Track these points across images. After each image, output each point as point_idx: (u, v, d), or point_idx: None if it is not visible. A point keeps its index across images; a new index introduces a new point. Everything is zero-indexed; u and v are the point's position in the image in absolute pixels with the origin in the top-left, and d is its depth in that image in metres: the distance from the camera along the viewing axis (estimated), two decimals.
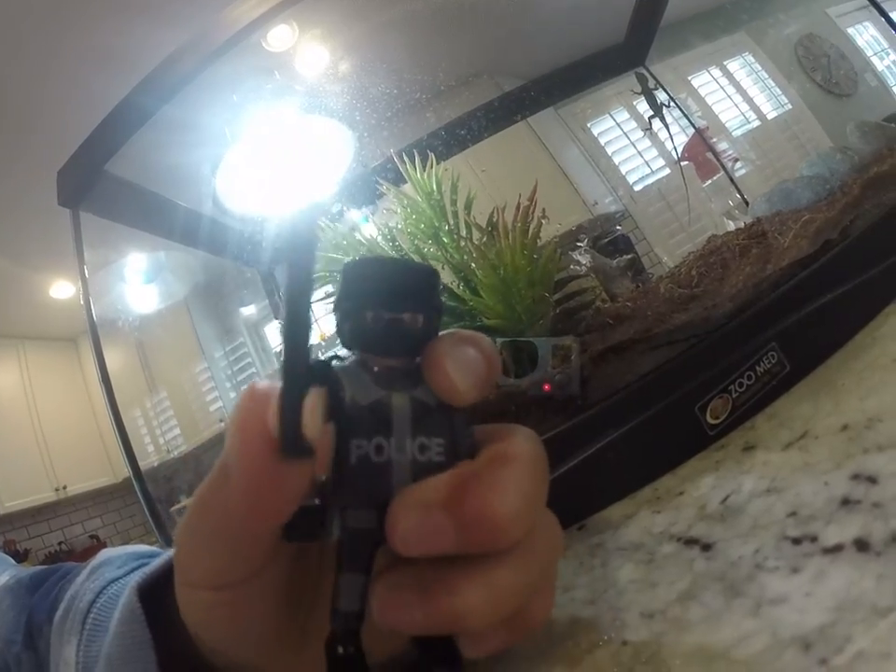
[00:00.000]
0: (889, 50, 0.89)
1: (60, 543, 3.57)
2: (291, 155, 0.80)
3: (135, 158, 0.78)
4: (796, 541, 0.24)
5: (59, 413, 3.48)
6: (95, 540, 3.65)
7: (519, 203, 0.47)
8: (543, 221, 0.45)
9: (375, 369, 0.21)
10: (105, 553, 0.38)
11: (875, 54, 0.90)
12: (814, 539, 0.23)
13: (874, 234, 0.46)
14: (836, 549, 0.22)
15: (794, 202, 0.63)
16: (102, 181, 0.77)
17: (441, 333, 0.22)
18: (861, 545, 0.22)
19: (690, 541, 0.28)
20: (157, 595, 0.29)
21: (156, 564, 0.31)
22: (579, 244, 0.57)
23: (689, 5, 0.91)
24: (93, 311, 0.77)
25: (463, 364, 0.21)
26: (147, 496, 0.76)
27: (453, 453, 0.21)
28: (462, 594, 0.20)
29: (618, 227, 0.80)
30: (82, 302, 0.78)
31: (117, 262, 0.99)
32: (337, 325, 0.22)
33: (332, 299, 0.22)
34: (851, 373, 0.36)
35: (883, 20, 0.86)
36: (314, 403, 0.19)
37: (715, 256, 0.56)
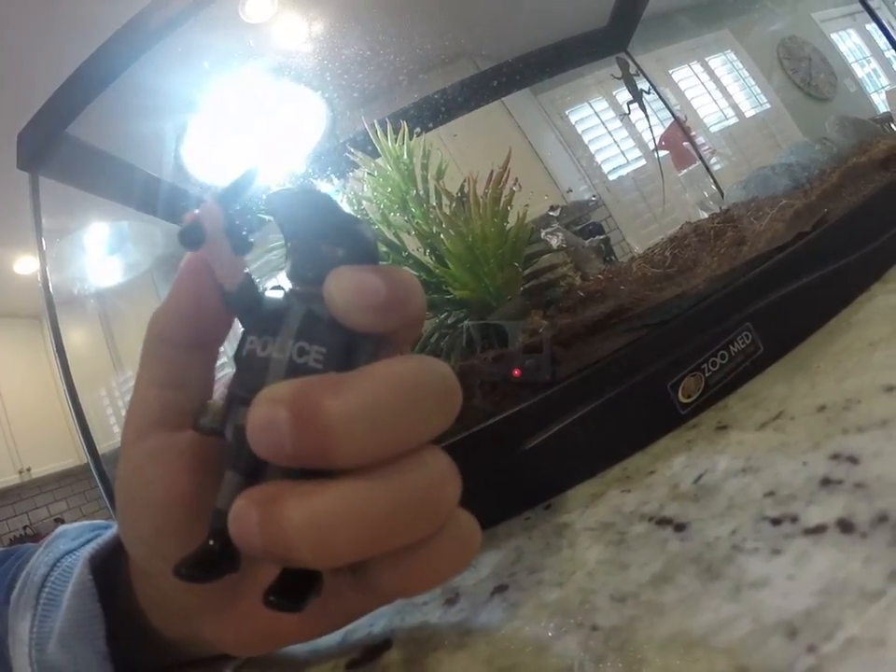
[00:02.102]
0: (871, 58, 0.90)
1: (25, 527, 3.50)
2: (261, 123, 0.77)
3: (100, 122, 0.75)
4: (776, 522, 0.23)
5: (22, 392, 3.38)
6: (61, 524, 3.57)
7: (492, 172, 0.45)
8: (515, 189, 0.43)
9: (297, 289, 0.23)
10: (61, 528, 0.38)
11: (857, 61, 0.90)
12: (794, 519, 0.22)
13: (851, 222, 0.45)
14: (819, 530, 0.21)
15: (771, 188, 0.62)
16: (63, 144, 0.73)
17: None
18: (846, 526, 0.20)
19: (662, 521, 0.27)
20: (111, 566, 0.29)
21: (108, 534, 0.31)
22: (552, 213, 0.55)
23: (674, 0, 0.90)
24: (50, 283, 0.74)
25: (356, 289, 0.21)
26: (103, 477, 0.73)
27: (332, 363, 0.21)
28: (294, 508, 0.20)
29: (589, 213, 0.78)
30: (38, 272, 0.74)
31: (78, 231, 0.95)
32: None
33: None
34: (827, 356, 0.35)
35: (874, 24, 0.86)
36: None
37: (689, 238, 0.55)
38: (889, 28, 0.86)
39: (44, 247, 0.75)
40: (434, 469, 0.22)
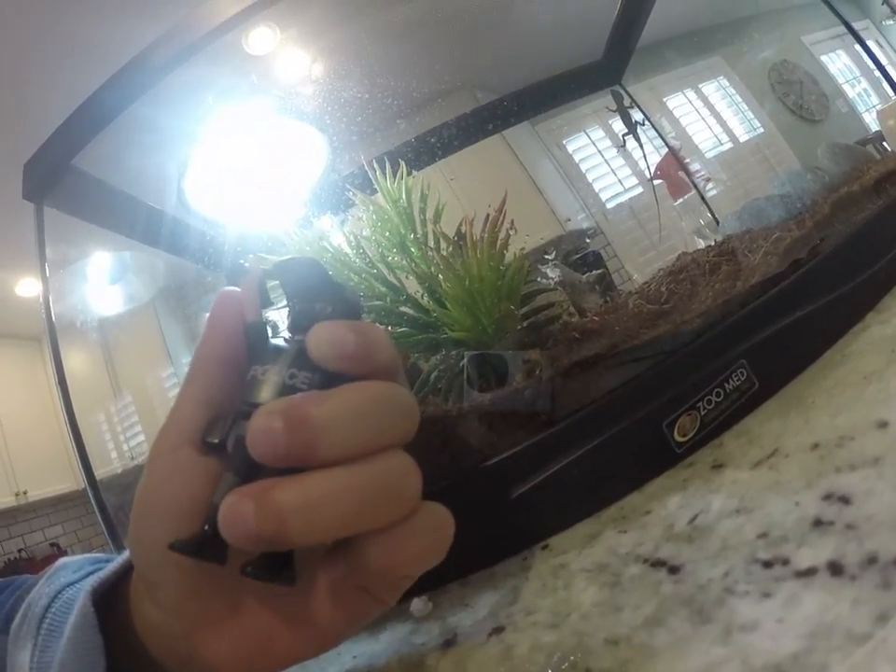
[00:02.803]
0: (861, 78, 0.91)
1: (20, 550, 3.45)
2: (263, 159, 0.78)
3: (105, 155, 0.76)
4: (767, 564, 0.23)
5: (21, 414, 3.35)
6: (56, 548, 3.54)
7: (488, 214, 0.45)
8: (511, 233, 0.44)
9: (296, 336, 0.27)
10: (62, 561, 0.38)
11: (847, 81, 0.92)
12: (786, 561, 0.22)
13: (843, 253, 0.46)
14: (809, 572, 0.21)
15: (765, 219, 0.63)
16: (68, 176, 0.74)
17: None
18: (835, 568, 0.21)
19: (657, 563, 0.27)
20: (111, 600, 0.30)
21: (111, 567, 0.32)
22: (547, 256, 0.56)
23: (666, 27, 0.92)
24: (53, 309, 0.74)
25: (329, 341, 0.26)
26: (100, 504, 0.73)
27: (315, 386, 0.26)
28: (283, 491, 0.23)
29: (587, 240, 0.79)
30: (41, 299, 0.75)
31: (81, 261, 0.96)
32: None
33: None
34: (821, 391, 0.36)
35: (859, 47, 0.87)
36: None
37: (685, 273, 0.55)
38: (872, 50, 0.87)
39: (47, 275, 0.76)
40: (399, 464, 0.26)
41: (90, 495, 0.73)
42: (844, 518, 0.23)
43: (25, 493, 3.41)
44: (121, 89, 0.69)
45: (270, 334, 0.28)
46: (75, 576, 0.35)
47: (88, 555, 0.39)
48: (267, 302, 0.29)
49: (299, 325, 0.27)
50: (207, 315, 0.30)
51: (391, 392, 0.27)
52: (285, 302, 0.29)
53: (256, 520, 0.23)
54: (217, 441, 0.27)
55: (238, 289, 0.30)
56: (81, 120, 0.71)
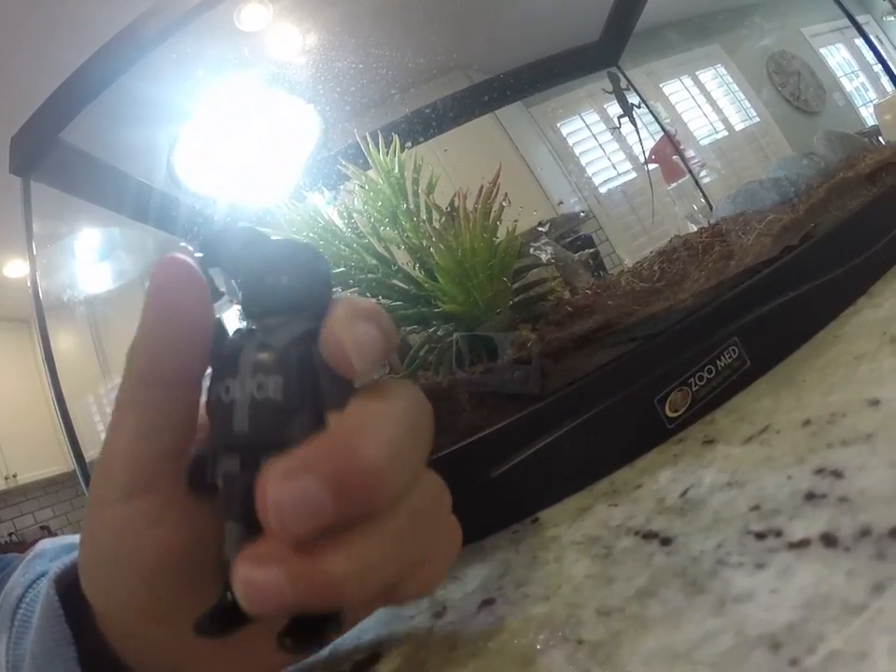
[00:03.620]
0: (859, 72, 0.91)
1: (10, 534, 3.44)
2: (254, 132, 0.77)
3: (93, 129, 0.75)
4: (760, 536, 0.23)
5: (9, 396, 3.32)
6: (46, 531, 3.53)
7: (482, 186, 0.45)
8: (504, 205, 0.43)
9: (252, 326, 0.23)
10: (41, 545, 0.36)
11: (845, 75, 0.92)
12: (779, 533, 0.22)
13: (837, 237, 0.46)
14: (802, 544, 0.21)
15: (759, 203, 0.63)
16: (56, 150, 0.73)
17: (342, 297, 0.23)
18: (829, 540, 0.20)
19: (648, 535, 0.27)
20: (80, 587, 0.27)
21: (76, 553, 0.29)
22: (540, 228, 0.55)
23: (665, 13, 0.91)
24: (40, 287, 0.73)
25: (363, 343, 0.21)
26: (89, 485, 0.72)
27: (293, 391, 0.21)
28: (335, 562, 0.19)
29: (580, 224, 0.79)
30: (28, 276, 0.74)
31: (69, 237, 0.94)
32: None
33: None
34: (813, 370, 0.36)
35: (858, 41, 0.87)
36: None
37: (677, 252, 0.55)
38: (875, 43, 0.87)
39: (34, 252, 0.75)
40: (434, 486, 0.24)
41: (79, 477, 0.72)
42: (836, 491, 0.23)
43: (15, 476, 3.40)
44: (110, 61, 0.67)
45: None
46: (50, 564, 0.33)
47: (67, 540, 0.38)
48: (216, 294, 0.23)
49: (250, 309, 0.23)
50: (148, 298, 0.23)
51: (421, 399, 0.23)
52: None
53: (292, 590, 0.19)
54: (204, 484, 0.22)
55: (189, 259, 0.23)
56: (69, 93, 0.69)
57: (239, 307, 0.23)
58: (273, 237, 0.23)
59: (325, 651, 0.29)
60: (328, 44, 0.68)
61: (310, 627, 0.21)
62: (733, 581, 0.21)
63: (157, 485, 0.23)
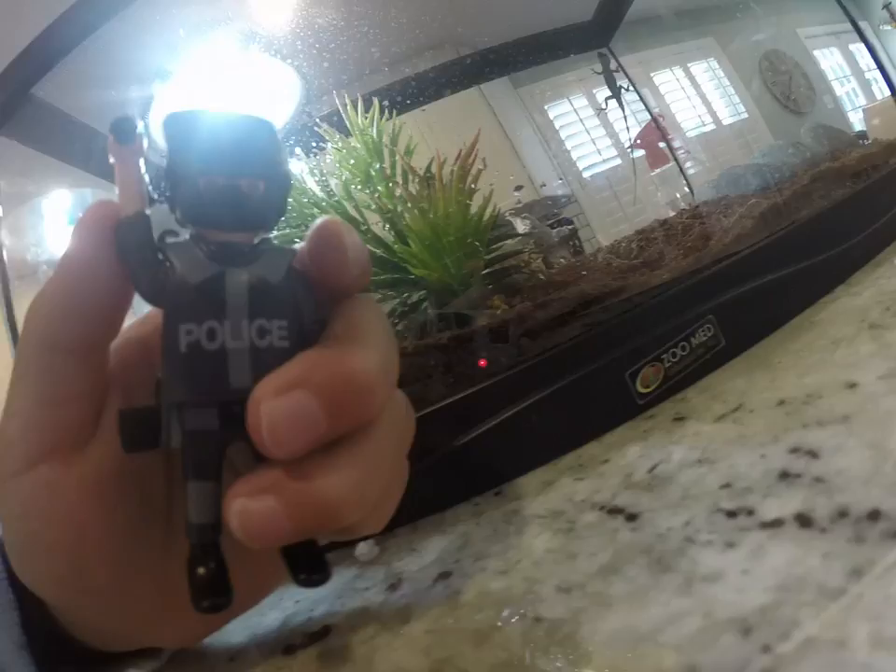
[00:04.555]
0: (851, 77, 0.91)
1: None
2: (232, 95, 0.75)
3: (67, 85, 0.72)
4: (731, 514, 0.22)
5: None
6: None
7: (460, 151, 0.43)
8: (481, 167, 0.41)
9: (211, 245, 0.19)
10: None
11: (837, 79, 0.92)
12: (751, 512, 0.21)
13: (819, 224, 0.45)
14: (776, 524, 0.20)
15: (742, 188, 0.62)
16: (27, 105, 0.70)
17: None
18: (804, 520, 0.19)
19: (614, 511, 0.25)
20: None
21: None
22: (516, 193, 0.54)
23: (661, 3, 0.90)
24: (5, 251, 0.70)
25: (355, 250, 0.21)
26: None
27: (299, 335, 0.19)
28: (330, 483, 0.19)
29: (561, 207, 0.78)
30: None
31: (39, 197, 0.91)
32: (167, 195, 0.19)
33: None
34: (788, 353, 0.35)
35: (853, 46, 0.88)
36: None
37: (656, 232, 0.54)
38: (875, 49, 0.87)
39: (0, 213, 0.72)
40: (402, 402, 0.24)
41: None
42: (812, 471, 0.22)
43: None
44: (85, 16, 0.65)
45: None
46: None
47: None
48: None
49: (217, 220, 0.19)
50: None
51: (382, 314, 0.24)
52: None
53: (290, 517, 0.18)
54: (150, 444, 0.19)
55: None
56: (43, 48, 0.66)
57: (187, 213, 0.19)
58: (244, 119, 0.19)
59: (276, 623, 0.28)
60: (313, 12, 0.66)
61: (310, 557, 0.21)
62: (701, 560, 0.20)
63: (60, 455, 0.21)
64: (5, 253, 0.71)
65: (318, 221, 0.21)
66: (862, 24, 0.96)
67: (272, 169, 0.19)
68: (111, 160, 0.20)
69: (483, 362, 0.36)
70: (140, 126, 0.19)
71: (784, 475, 0.23)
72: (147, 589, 0.24)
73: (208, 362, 0.18)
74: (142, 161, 0.19)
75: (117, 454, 0.20)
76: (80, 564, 0.22)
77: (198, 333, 0.18)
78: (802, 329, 0.38)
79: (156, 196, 0.19)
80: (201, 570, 0.19)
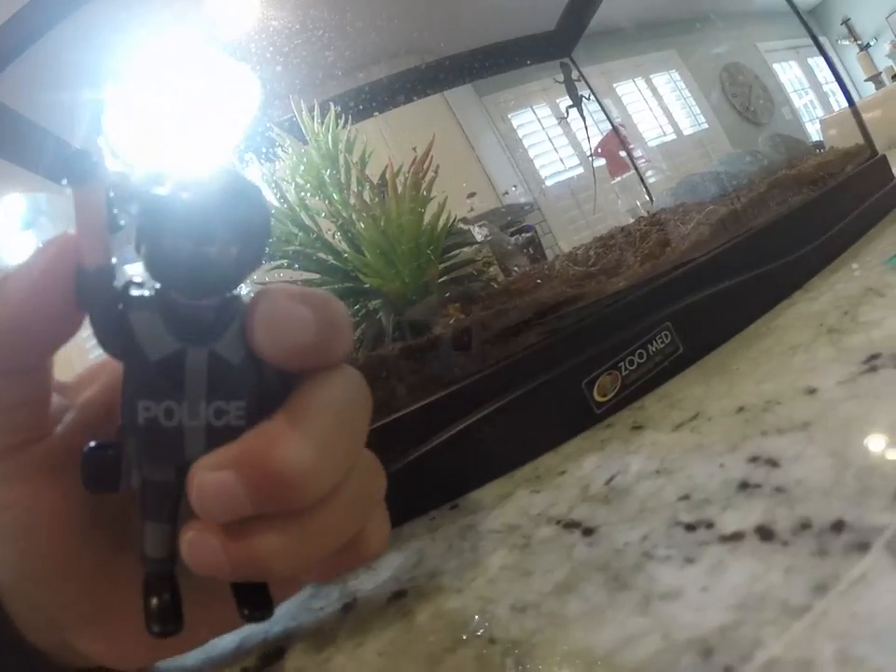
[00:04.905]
0: (809, 90, 0.94)
1: None
2: (185, 96, 0.73)
3: (19, 86, 0.69)
4: (690, 528, 0.21)
5: None
6: None
7: (414, 158, 0.42)
8: (433, 174, 0.41)
9: (173, 314, 0.18)
10: None
11: (795, 91, 0.95)
12: (710, 525, 0.20)
13: (775, 230, 0.45)
14: (736, 537, 0.19)
15: (699, 195, 0.62)
16: None
17: (276, 286, 0.20)
18: (765, 533, 0.19)
19: (570, 525, 0.25)
20: None
21: None
22: (468, 200, 0.53)
23: (624, 15, 0.92)
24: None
25: (287, 324, 0.19)
26: None
27: (256, 415, 0.19)
28: (263, 539, 0.19)
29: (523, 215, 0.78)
30: None
31: None
32: (135, 245, 0.17)
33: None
34: (746, 359, 0.35)
35: (811, 60, 0.90)
36: None
37: (614, 239, 0.54)
38: (833, 63, 0.89)
39: None
40: (370, 466, 0.24)
41: None
42: (772, 481, 0.21)
43: None
44: (38, 16, 0.63)
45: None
46: None
47: None
48: (115, 226, 0.18)
49: (176, 282, 0.17)
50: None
51: (356, 384, 0.22)
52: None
53: (229, 560, 0.19)
54: (111, 486, 0.19)
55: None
56: None
57: (150, 273, 0.17)
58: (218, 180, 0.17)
59: (233, 644, 0.27)
60: (269, 14, 0.65)
61: (254, 596, 0.22)
62: (659, 577, 0.19)
63: (8, 449, 0.21)
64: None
65: (258, 294, 0.19)
66: (822, 39, 0.98)
67: (248, 233, 0.17)
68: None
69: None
70: (100, 156, 0.18)
71: (744, 486, 0.22)
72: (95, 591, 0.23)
73: (165, 437, 0.18)
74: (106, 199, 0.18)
75: (71, 448, 0.21)
76: (32, 548, 0.22)
77: (155, 410, 0.18)
78: (759, 335, 0.38)
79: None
80: (154, 600, 0.20)
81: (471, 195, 0.56)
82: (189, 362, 0.18)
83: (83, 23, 0.65)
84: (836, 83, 0.90)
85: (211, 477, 0.18)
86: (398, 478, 0.32)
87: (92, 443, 0.20)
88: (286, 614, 0.28)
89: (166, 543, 0.20)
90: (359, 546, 0.23)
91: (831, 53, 0.94)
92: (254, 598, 0.22)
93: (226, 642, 0.28)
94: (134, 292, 0.18)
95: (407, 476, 0.33)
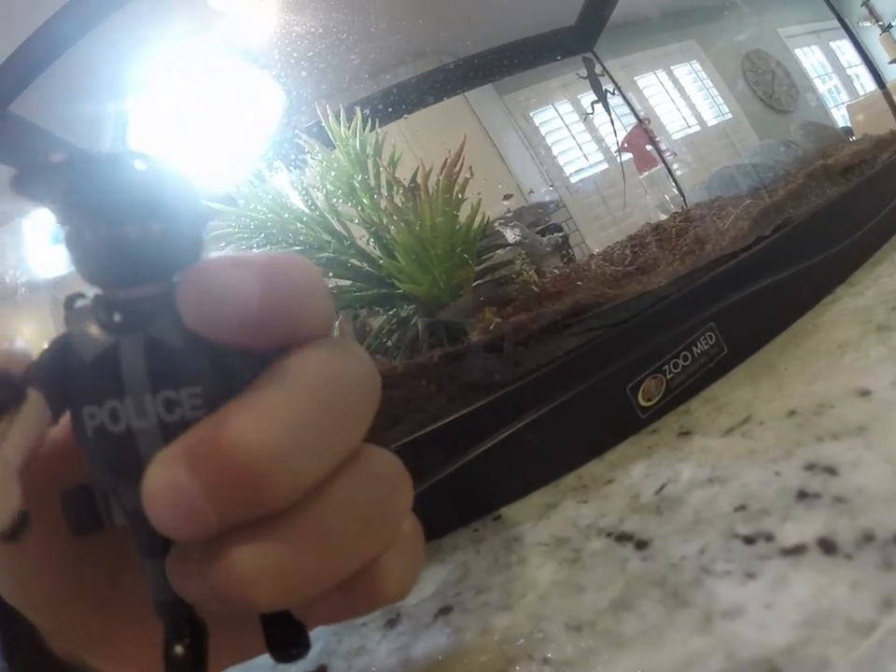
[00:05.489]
0: (833, 75, 0.92)
1: None
2: (209, 106, 0.73)
3: (45, 101, 0.70)
4: (748, 540, 0.20)
5: None
6: None
7: (446, 160, 0.42)
8: (468, 176, 0.40)
9: (106, 310, 0.16)
10: None
11: (818, 77, 0.93)
12: (769, 537, 0.20)
13: (816, 224, 0.44)
14: (797, 550, 0.19)
15: (734, 188, 0.61)
16: (6, 122, 0.68)
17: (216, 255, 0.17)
18: (827, 546, 0.18)
19: (622, 537, 0.24)
20: None
21: None
22: (505, 202, 0.53)
23: (643, 7, 0.91)
24: None
25: (219, 295, 0.16)
26: None
27: (215, 398, 0.16)
28: (240, 558, 0.15)
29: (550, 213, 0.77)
30: None
31: (20, 218, 0.90)
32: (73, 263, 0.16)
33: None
34: (793, 359, 0.34)
35: (847, 40, 0.88)
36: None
37: (650, 237, 0.53)
38: (861, 43, 0.87)
39: None
40: (382, 474, 0.19)
41: None
42: (831, 490, 0.21)
43: None
44: (62, 29, 0.63)
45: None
46: None
47: None
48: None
49: (104, 276, 0.16)
50: None
51: (343, 358, 0.18)
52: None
53: (213, 594, 0.16)
54: (96, 527, 0.17)
55: None
56: (19, 63, 0.65)
57: (79, 271, 0.16)
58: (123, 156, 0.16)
59: (270, 661, 0.27)
60: (286, 6, 0.65)
61: (284, 632, 0.18)
62: (719, 593, 0.18)
63: None
64: None
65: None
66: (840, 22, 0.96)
67: (165, 206, 0.16)
68: None
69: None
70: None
71: (802, 495, 0.21)
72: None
73: (117, 446, 0.16)
74: None
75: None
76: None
77: (101, 416, 0.16)
78: (805, 334, 0.37)
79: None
80: (177, 649, 0.17)
81: (507, 196, 0.56)
82: (123, 354, 0.16)
83: (105, 38, 0.65)
84: (865, 66, 0.88)
85: (158, 477, 0.15)
86: (439, 489, 0.32)
87: (69, 488, 0.18)
88: (326, 631, 0.28)
89: (165, 582, 0.17)
90: (373, 583, 0.18)
91: (852, 35, 0.92)
92: (286, 634, 0.19)
93: (264, 657, 0.27)
94: (79, 302, 0.17)
95: (449, 486, 0.32)
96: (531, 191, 0.91)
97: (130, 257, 0.15)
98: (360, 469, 0.18)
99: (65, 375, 0.16)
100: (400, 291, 0.42)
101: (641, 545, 0.23)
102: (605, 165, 0.92)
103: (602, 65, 0.89)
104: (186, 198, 0.16)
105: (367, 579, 0.18)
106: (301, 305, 0.17)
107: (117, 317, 0.16)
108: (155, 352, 0.16)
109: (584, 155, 0.93)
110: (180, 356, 0.16)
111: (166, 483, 0.15)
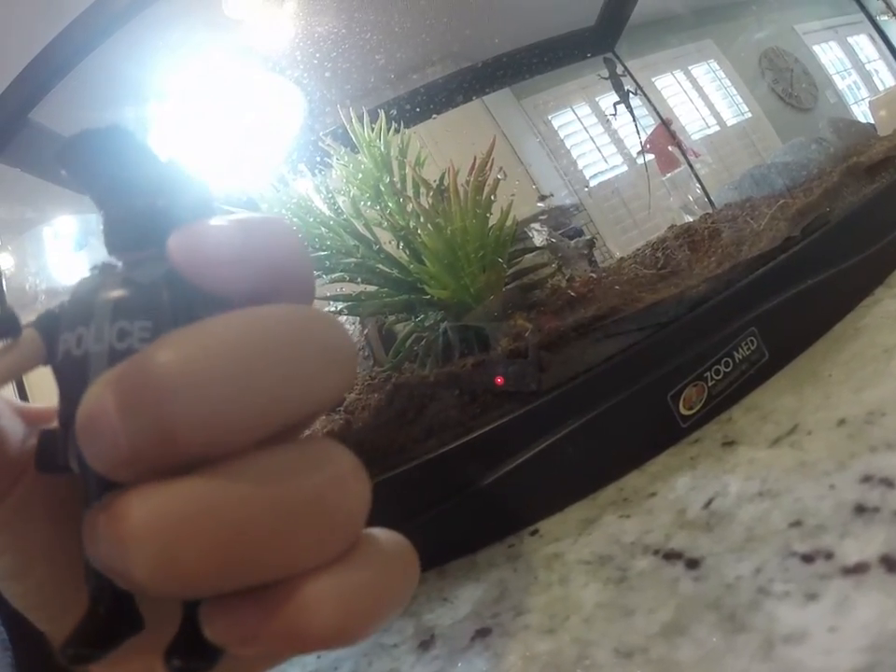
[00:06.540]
0: (852, 70, 0.91)
1: None
2: (233, 112, 0.74)
3: (64, 108, 0.71)
4: (807, 559, 0.19)
5: None
6: None
7: (475, 160, 0.41)
8: (500, 178, 0.39)
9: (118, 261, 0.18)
10: None
11: (838, 73, 0.92)
12: (829, 555, 0.19)
13: (852, 223, 0.43)
14: (860, 569, 0.18)
15: (766, 188, 0.59)
16: (25, 130, 0.69)
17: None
18: (891, 564, 0.17)
19: (670, 555, 0.23)
20: None
21: None
22: (540, 204, 0.52)
23: (659, 7, 0.91)
24: (3, 278, 0.70)
25: (208, 231, 0.16)
26: None
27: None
28: (126, 507, 0.14)
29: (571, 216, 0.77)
30: None
31: (41, 225, 0.91)
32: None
33: None
34: (838, 365, 0.32)
35: (852, 39, 0.87)
36: None
37: (681, 239, 0.52)
38: (875, 39, 0.86)
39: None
40: (328, 466, 0.16)
41: None
42: (890, 504, 0.20)
43: None
44: (81, 36, 0.64)
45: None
46: None
47: None
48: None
49: (115, 241, 0.18)
50: None
51: (300, 318, 0.16)
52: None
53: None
54: (56, 466, 0.17)
55: None
56: (38, 71, 0.66)
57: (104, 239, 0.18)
58: (148, 148, 0.18)
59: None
60: (308, 9, 0.65)
61: (194, 644, 0.16)
62: (780, 616, 0.17)
63: None
64: (3, 280, 0.71)
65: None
66: (859, 16, 0.95)
67: (169, 183, 0.17)
68: None
69: (499, 380, 0.34)
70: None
71: (860, 509, 0.20)
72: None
73: (75, 369, 0.16)
74: None
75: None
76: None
77: (70, 341, 0.17)
78: (847, 338, 0.35)
79: None
80: (101, 610, 0.16)
81: (543, 197, 0.55)
82: (99, 287, 0.17)
83: (123, 45, 0.66)
84: (885, 60, 0.87)
85: (88, 400, 0.14)
86: (473, 502, 0.31)
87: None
88: (356, 651, 0.27)
89: None
90: (297, 610, 0.15)
91: (869, 30, 0.91)
92: (197, 642, 0.17)
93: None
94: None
95: (483, 500, 0.31)
96: (551, 195, 0.91)
97: (139, 223, 0.17)
98: (304, 452, 0.16)
99: (60, 316, 0.17)
100: (429, 297, 0.41)
101: (692, 564, 0.22)
102: (624, 168, 0.91)
103: (624, 66, 0.88)
104: (190, 181, 0.18)
105: (287, 600, 0.15)
106: (278, 256, 0.17)
107: (105, 264, 0.18)
108: (125, 287, 0.17)
109: (604, 158, 0.92)
110: (143, 293, 0.17)
111: (92, 406, 0.14)
